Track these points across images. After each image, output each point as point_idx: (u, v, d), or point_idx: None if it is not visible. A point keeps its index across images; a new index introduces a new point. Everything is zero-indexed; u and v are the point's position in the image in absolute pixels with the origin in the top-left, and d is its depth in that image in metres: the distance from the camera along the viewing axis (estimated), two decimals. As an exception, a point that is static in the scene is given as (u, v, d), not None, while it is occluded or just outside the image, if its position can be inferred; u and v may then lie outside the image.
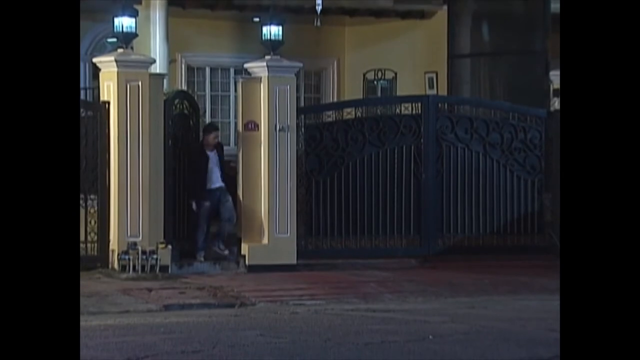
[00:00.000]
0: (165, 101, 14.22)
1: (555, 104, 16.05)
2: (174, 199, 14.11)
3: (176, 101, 14.55)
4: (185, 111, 14.62)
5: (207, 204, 13.98)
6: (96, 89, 13.72)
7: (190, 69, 18.98)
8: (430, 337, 10.06)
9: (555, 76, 16.13)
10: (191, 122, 14.72)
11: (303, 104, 18.34)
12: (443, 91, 18.69)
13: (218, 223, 14.18)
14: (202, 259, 14.04)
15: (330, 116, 15.51)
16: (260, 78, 14.54)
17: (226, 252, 14.11)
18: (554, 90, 16.11)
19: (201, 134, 14.52)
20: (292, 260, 14.48)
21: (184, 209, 14.21)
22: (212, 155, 14.10)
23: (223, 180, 14.14)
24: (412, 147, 15.39)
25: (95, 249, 13.57)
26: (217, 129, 14.72)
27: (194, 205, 13.98)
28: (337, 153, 15.11)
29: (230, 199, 14.11)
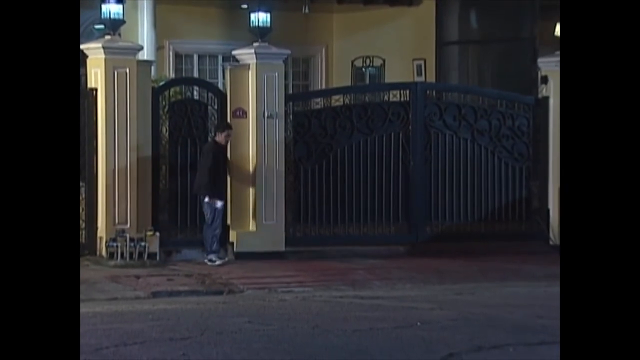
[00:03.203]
0: (158, 88, 14.20)
1: (543, 91, 16.08)
2: (172, 187, 14.10)
3: (173, 89, 14.52)
4: (194, 98, 14.49)
5: (220, 203, 13.64)
6: (83, 76, 13.68)
7: (178, 56, 18.93)
8: (418, 323, 10.09)
9: (543, 63, 16.16)
10: (200, 109, 14.37)
11: (291, 91, 18.32)
12: (431, 78, 18.70)
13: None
14: (215, 260, 13.56)
15: (318, 103, 15.50)
16: (249, 65, 14.52)
17: (225, 259, 13.76)
18: (542, 77, 16.13)
19: (212, 129, 14.22)
20: (280, 247, 14.49)
21: (182, 198, 14.11)
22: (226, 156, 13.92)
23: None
24: (400, 134, 15.40)
25: (83, 236, 13.55)
26: (230, 127, 13.95)
27: (217, 203, 13.58)
28: (325, 140, 15.10)
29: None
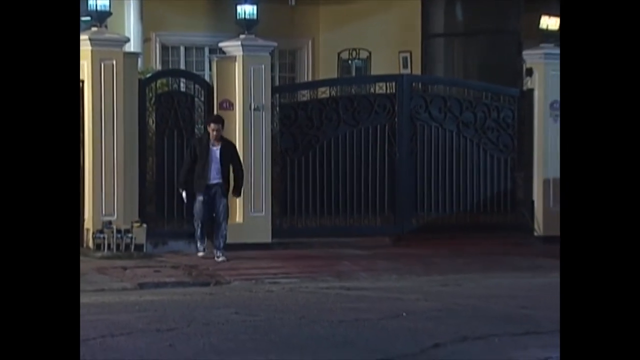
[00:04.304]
0: (144, 80, 14.17)
1: (528, 83, 16.11)
2: (158, 179, 14.05)
3: (160, 81, 14.48)
4: (180, 90, 14.40)
5: (200, 198, 13.24)
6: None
7: (164, 48, 18.87)
8: (404, 314, 10.11)
9: (527, 56, 16.19)
10: (187, 101, 14.31)
11: (278, 83, 18.29)
12: (417, 70, 18.69)
13: (213, 225, 13.40)
14: (202, 253, 13.35)
15: (304, 95, 15.50)
16: (235, 57, 14.50)
17: (221, 259, 13.19)
18: (527, 69, 16.16)
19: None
20: (267, 239, 14.49)
21: (168, 190, 14.06)
22: (214, 150, 13.21)
23: (222, 178, 13.25)
24: (386, 126, 15.41)
25: (70, 227, 13.52)
26: (217, 120, 13.43)
27: (183, 195, 13.38)
28: (312, 132, 15.10)
29: (225, 201, 13.29)
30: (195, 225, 13.40)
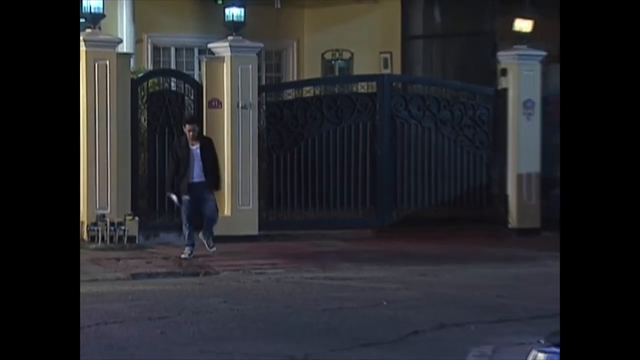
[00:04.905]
0: (136, 80, 14.11)
1: (503, 82, 16.12)
2: (150, 174, 14.00)
3: (151, 80, 14.41)
4: (171, 89, 14.30)
5: (186, 197, 12.77)
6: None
7: (156, 49, 18.80)
8: (385, 303, 10.10)
9: (502, 56, 16.20)
10: (178, 100, 14.22)
11: (264, 83, 18.24)
12: (397, 71, 18.68)
13: (201, 220, 12.96)
14: (188, 254, 12.69)
15: (290, 94, 15.46)
16: (224, 58, 14.46)
17: (212, 250, 12.87)
18: (501, 70, 16.17)
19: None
20: (254, 231, 14.46)
21: (160, 184, 13.96)
22: (193, 150, 12.70)
23: (205, 176, 12.74)
24: (368, 124, 15.40)
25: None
26: (191, 121, 13.01)
27: (173, 198, 12.85)
28: (297, 129, 15.07)
29: (212, 197, 12.87)
30: (184, 227, 12.81)
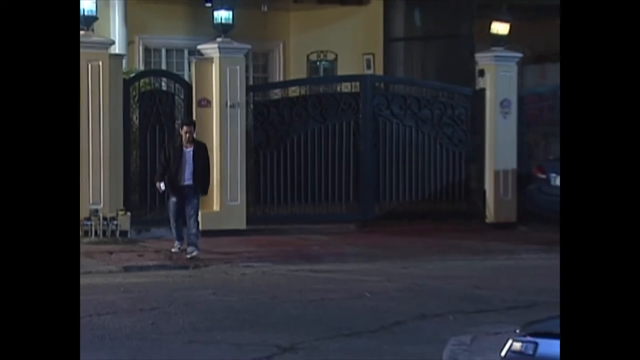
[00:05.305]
0: (128, 80, 14.08)
1: (480, 83, 16.15)
2: (141, 171, 13.96)
3: (143, 80, 14.36)
4: (162, 89, 14.23)
5: (173, 199, 12.50)
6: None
7: (147, 50, 18.75)
8: (368, 294, 10.10)
9: (479, 58, 16.22)
10: (168, 99, 14.17)
11: (252, 83, 18.21)
12: (379, 71, 18.67)
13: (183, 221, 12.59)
14: (178, 248, 12.47)
15: (276, 94, 15.45)
16: (212, 59, 14.43)
17: (194, 253, 12.28)
18: (479, 71, 16.19)
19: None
20: (242, 225, 14.44)
21: (151, 180, 13.88)
22: (187, 152, 12.37)
23: (194, 180, 12.40)
24: (352, 123, 15.40)
25: (60, 216, 13.40)
26: (188, 123, 12.72)
27: (161, 185, 12.54)
28: (283, 128, 15.06)
29: (197, 200, 12.51)
30: (172, 227, 12.63)
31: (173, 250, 12.64)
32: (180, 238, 12.67)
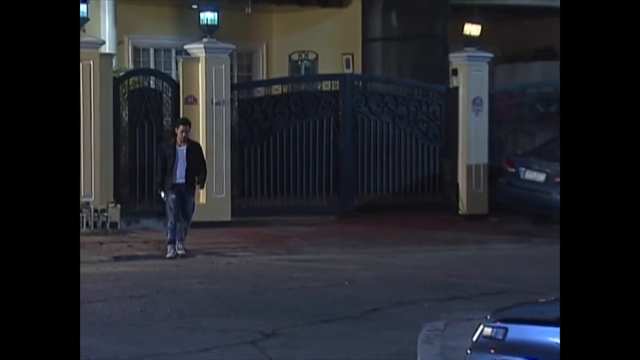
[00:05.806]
0: (118, 78, 14.03)
1: (454, 81, 16.17)
2: (131, 165, 13.88)
3: (132, 79, 14.32)
4: (150, 87, 14.14)
5: (172, 196, 12.09)
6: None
7: (136, 50, 18.68)
8: (346, 282, 10.11)
9: (453, 57, 16.25)
10: (156, 97, 14.10)
11: (236, 81, 18.17)
12: (358, 70, 18.67)
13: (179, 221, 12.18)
14: (170, 253, 11.88)
15: (260, 92, 15.45)
16: (199, 58, 14.39)
17: (181, 252, 11.96)
18: (452, 70, 16.21)
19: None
20: (227, 217, 14.42)
21: (140, 174, 13.82)
22: (180, 150, 12.06)
23: (186, 178, 12.07)
24: (332, 119, 15.40)
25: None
26: (184, 122, 12.40)
27: (162, 195, 12.21)
28: (266, 124, 15.05)
29: (193, 199, 12.26)
30: (168, 226, 12.09)
31: (168, 256, 11.94)
32: (173, 241, 12.05)
